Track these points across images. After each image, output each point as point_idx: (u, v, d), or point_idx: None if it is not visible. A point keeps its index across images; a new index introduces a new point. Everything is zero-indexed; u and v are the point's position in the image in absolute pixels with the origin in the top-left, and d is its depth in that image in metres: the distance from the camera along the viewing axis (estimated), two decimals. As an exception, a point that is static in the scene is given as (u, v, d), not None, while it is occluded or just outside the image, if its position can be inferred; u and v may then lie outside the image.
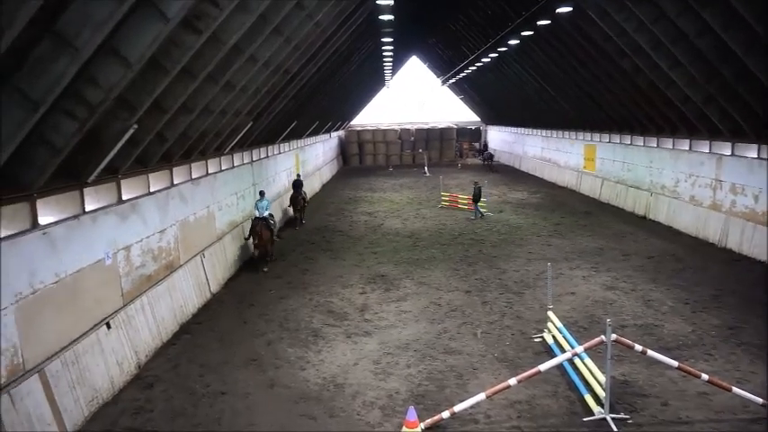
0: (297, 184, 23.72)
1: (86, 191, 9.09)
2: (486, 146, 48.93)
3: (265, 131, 19.67)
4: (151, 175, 11.55)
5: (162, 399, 8.99)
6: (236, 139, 16.15)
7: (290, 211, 23.81)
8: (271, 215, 16.90)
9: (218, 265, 14.97)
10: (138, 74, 8.06)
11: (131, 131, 8.89)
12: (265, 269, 15.97)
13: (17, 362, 7.31)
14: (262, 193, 17.46)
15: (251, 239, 16.58)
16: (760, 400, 8.06)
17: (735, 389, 8.11)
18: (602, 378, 8.09)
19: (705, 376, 8.12)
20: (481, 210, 23.99)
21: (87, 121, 7.57)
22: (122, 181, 10.31)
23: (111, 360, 9.25)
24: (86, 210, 9.11)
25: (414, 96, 54.60)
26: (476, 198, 23.84)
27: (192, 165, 13.88)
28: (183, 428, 8.09)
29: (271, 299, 13.70)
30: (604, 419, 7.95)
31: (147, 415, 8.49)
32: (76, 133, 7.59)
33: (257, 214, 16.56)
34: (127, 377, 9.55)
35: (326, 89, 25.35)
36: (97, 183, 9.38)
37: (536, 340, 10.93)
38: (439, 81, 53.16)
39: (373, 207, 27.45)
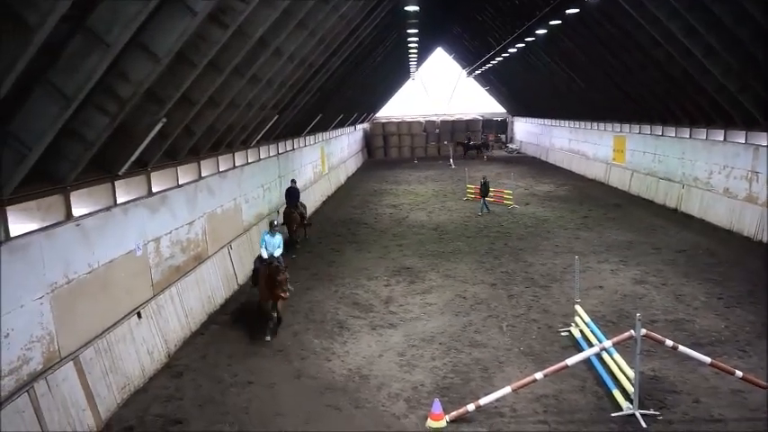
0: (291, 194, 18.00)
1: (117, 183, 9.28)
2: (469, 137, 47.64)
3: (291, 124, 19.79)
4: (180, 168, 11.73)
5: (191, 387, 9.16)
6: (263, 133, 16.28)
7: (285, 230, 17.69)
8: (282, 257, 11.81)
9: (245, 257, 15.15)
10: (166, 68, 8.18)
11: (160, 125, 9.04)
12: (268, 338, 10.79)
13: (53, 349, 7.53)
14: (272, 225, 12.08)
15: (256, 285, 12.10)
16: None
17: (770, 386, 7.89)
18: (630, 373, 7.96)
19: (739, 373, 7.92)
20: (486, 204, 23.29)
21: (118, 115, 7.72)
22: (152, 174, 10.49)
23: (141, 349, 9.47)
24: (118, 202, 9.30)
25: (439, 88, 54.20)
26: (483, 192, 23.25)
27: (220, 158, 14.04)
28: (212, 416, 8.24)
29: (296, 290, 13.79)
30: (633, 415, 7.83)
31: (177, 403, 8.67)
32: (108, 127, 7.75)
33: (263, 253, 11.69)
34: (157, 366, 9.76)
35: (351, 82, 25.35)
36: (128, 176, 9.56)
37: (563, 334, 10.81)
38: (465, 72, 52.67)
39: (398, 199, 27.42)
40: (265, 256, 11.53)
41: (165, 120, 9.08)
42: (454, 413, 7.92)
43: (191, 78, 9.12)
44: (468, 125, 51.29)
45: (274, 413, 8.31)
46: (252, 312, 12.24)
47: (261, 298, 11.23)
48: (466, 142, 47.16)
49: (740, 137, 18.84)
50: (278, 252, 11.62)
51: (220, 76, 10.24)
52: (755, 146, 18.02)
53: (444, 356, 10.04)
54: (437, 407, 7.89)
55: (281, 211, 18.39)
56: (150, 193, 10.45)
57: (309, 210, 24.23)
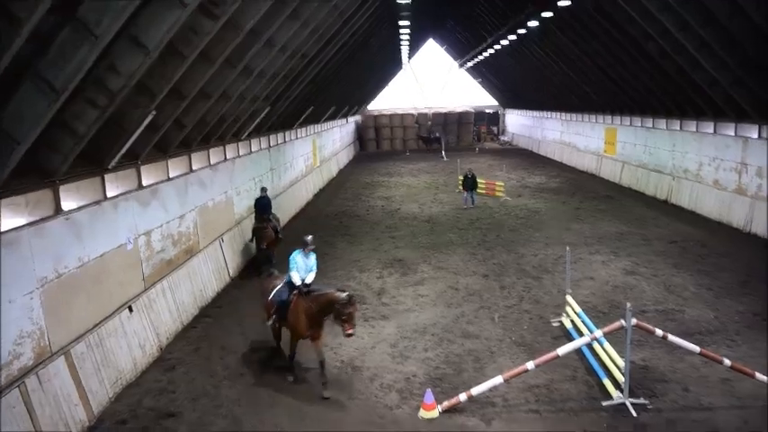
0: (262, 204, 14.89)
1: (107, 177, 9.22)
2: (430, 130, 47.34)
3: (282, 117, 19.70)
4: (170, 161, 11.65)
5: (184, 380, 9.16)
6: (254, 125, 16.20)
7: (253, 247, 15.15)
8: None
9: (237, 250, 15.12)
10: (156, 60, 8.10)
11: (150, 118, 8.97)
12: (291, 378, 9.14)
13: (44, 344, 7.50)
14: (307, 244, 9.27)
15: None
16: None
17: (758, 375, 8.00)
18: (621, 363, 8.03)
19: (728, 362, 8.01)
20: (474, 198, 22.90)
21: (108, 107, 7.66)
22: (142, 167, 10.42)
23: (133, 342, 9.44)
24: (108, 196, 9.24)
25: (431, 80, 54.08)
26: (469, 185, 22.86)
27: (211, 150, 13.97)
28: (205, 409, 8.24)
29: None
30: (623, 404, 7.92)
31: (170, 396, 8.67)
32: (98, 120, 7.69)
33: (295, 279, 8.95)
34: (149, 359, 9.74)
35: (343, 73, 25.25)
36: (118, 169, 9.50)
37: (554, 325, 10.89)
38: (456, 64, 52.57)
39: (390, 192, 27.42)
40: (298, 282, 8.84)
41: (155, 112, 9.02)
42: (446, 403, 7.98)
43: (181, 70, 9.05)
44: (460, 117, 51.26)
45: (268, 405, 8.33)
46: (244, 304, 12.23)
47: (295, 336, 8.95)
48: (426, 136, 47.07)
49: (730, 129, 18.97)
50: (311, 277, 9.04)
51: (211, 68, 10.17)
52: (745, 138, 18.15)
53: (436, 347, 10.09)
54: (429, 397, 7.95)
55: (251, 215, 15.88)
56: (140, 187, 10.38)
57: (301, 203, 24.26)
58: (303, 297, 8.71)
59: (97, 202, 8.96)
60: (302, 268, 9.04)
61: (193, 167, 12.86)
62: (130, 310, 9.64)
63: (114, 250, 9.35)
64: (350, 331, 8.32)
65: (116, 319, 9.18)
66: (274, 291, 9.23)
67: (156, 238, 10.88)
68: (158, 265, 10.92)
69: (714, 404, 8.02)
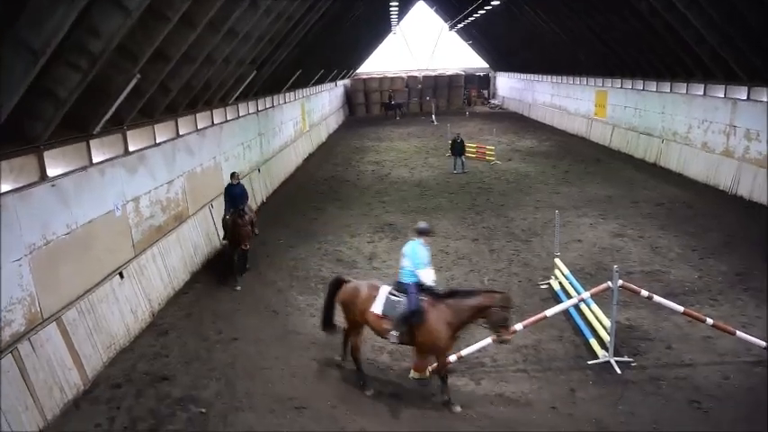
0: (235, 194, 12.18)
1: (92, 143, 9.08)
2: (391, 96, 46.64)
3: (270, 81, 19.37)
4: (156, 127, 11.49)
5: (177, 344, 9.26)
6: (241, 89, 15.94)
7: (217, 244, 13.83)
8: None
9: (227, 216, 15.07)
10: (138, 22, 7.89)
11: (134, 81, 8.78)
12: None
13: (35, 310, 7.51)
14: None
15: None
16: (763, 344, 8.17)
17: (738, 332, 8.21)
18: (607, 323, 8.20)
19: (710, 320, 8.21)
20: (464, 163, 22.61)
21: (90, 71, 7.48)
22: (128, 132, 10.27)
23: (125, 308, 9.49)
24: (93, 161, 9.12)
25: (421, 43, 53.22)
26: (457, 150, 22.59)
27: (198, 115, 13.77)
28: (199, 372, 8.36)
29: (280, 248, 13.84)
30: (608, 362, 8.13)
31: (163, 360, 8.77)
32: (80, 84, 7.52)
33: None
34: (142, 325, 9.81)
35: (331, 36, 24.76)
36: (103, 134, 9.35)
37: (543, 287, 11.05)
38: (446, 26, 51.68)
39: (380, 156, 27.30)
40: (431, 282, 7.43)
41: (139, 76, 8.82)
42: (435, 364, 8.12)
43: (164, 33, 8.83)
44: (451, 80, 50.69)
45: (260, 368, 8.46)
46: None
47: (436, 354, 7.49)
48: (387, 101, 46.47)
49: (719, 91, 18.94)
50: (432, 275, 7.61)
51: (195, 31, 9.94)
52: (734, 100, 18.15)
53: (427, 310, 10.21)
54: (420, 358, 8.08)
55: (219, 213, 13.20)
56: (127, 152, 10.25)
57: (291, 168, 24.11)
58: (440, 303, 7.17)
59: (83, 168, 8.86)
60: (428, 263, 7.49)
61: (180, 132, 12.69)
62: (121, 276, 9.65)
63: (102, 216, 9.30)
64: (508, 337, 7.24)
65: (107, 285, 9.20)
66: (383, 301, 7.35)
67: (144, 205, 10.81)
68: (148, 232, 10.89)
69: (695, 360, 8.25)
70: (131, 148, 10.39)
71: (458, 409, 7.21)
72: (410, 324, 7.11)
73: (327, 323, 8.27)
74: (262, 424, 7.11)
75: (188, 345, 9.24)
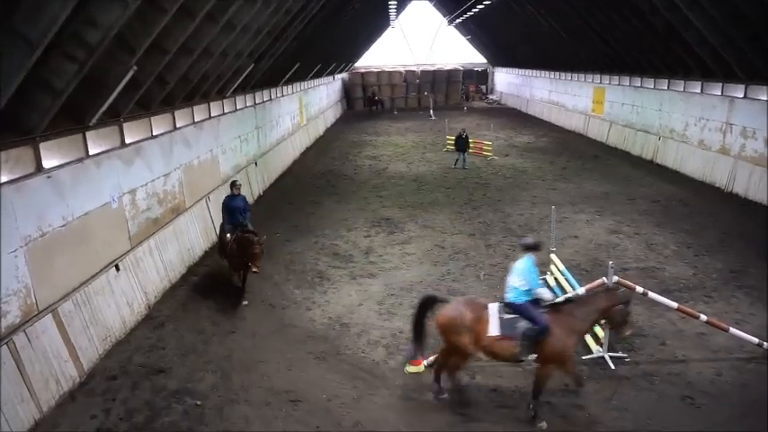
0: (234, 209, 10.78)
1: (89, 134, 9.05)
2: (374, 93, 46.63)
3: (268, 74, 19.32)
4: (153, 119, 11.45)
5: (173, 337, 9.27)
6: (238, 82, 15.89)
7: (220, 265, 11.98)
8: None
9: (223, 209, 15.06)
10: (136, 13, 7.85)
11: (131, 73, 8.74)
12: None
13: (30, 302, 7.50)
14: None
15: None
16: (756, 340, 8.22)
17: (732, 329, 8.25)
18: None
19: (703, 317, 8.25)
20: (465, 159, 22.41)
21: (87, 62, 7.45)
22: (125, 124, 10.23)
23: (121, 301, 9.49)
24: (90, 153, 9.09)
25: (419, 38, 53.06)
26: (461, 147, 22.49)
27: (195, 108, 13.72)
28: (195, 364, 8.37)
29: (277, 242, 13.84)
30: (602, 358, 8.17)
31: (160, 352, 8.78)
32: (76, 75, 7.49)
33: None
34: (138, 317, 9.81)
35: (329, 30, 24.68)
36: (99, 126, 9.32)
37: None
38: (445, 21, 51.54)
39: (378, 151, 27.28)
40: (550, 297, 7.16)
41: (136, 68, 8.79)
42: (432, 358, 8.16)
43: (161, 24, 8.78)
44: (449, 75, 50.60)
45: (257, 361, 8.48)
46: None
47: (562, 367, 7.19)
48: (370, 96, 46.42)
49: (717, 89, 18.97)
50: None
51: (192, 23, 9.89)
52: (731, 98, 18.18)
53: (423, 305, 10.25)
54: (415, 353, 8.11)
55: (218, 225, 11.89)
56: (123, 145, 10.22)
57: (288, 162, 24.07)
58: (559, 314, 6.90)
59: (79, 160, 8.83)
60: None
61: (177, 125, 12.65)
62: (117, 268, 9.64)
63: (99, 209, 9.28)
64: (629, 332, 7.15)
65: (103, 277, 9.19)
66: (498, 321, 6.90)
67: (141, 197, 10.79)
68: (144, 224, 10.87)
69: (689, 357, 8.31)
70: (128, 141, 10.36)
71: (544, 425, 6.84)
72: (536, 340, 6.76)
73: (419, 349, 7.45)
74: (257, 417, 7.14)
75: (184, 337, 9.25)
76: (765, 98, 16.46)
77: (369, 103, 46.26)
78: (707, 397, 7.30)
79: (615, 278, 7.91)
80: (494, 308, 7.00)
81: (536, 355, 6.84)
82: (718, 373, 7.90)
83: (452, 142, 23.94)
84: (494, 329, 6.84)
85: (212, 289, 11.18)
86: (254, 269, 9.84)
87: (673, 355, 8.39)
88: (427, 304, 7.28)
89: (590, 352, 8.33)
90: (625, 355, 8.30)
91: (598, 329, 8.37)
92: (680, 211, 15.82)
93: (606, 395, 7.43)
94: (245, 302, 10.23)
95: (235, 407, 7.35)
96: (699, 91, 20.06)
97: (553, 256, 10.66)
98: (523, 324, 6.78)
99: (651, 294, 8.23)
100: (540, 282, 7.04)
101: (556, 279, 10.51)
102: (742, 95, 17.62)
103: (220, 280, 11.57)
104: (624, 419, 6.97)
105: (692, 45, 17.69)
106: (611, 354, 8.18)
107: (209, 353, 8.74)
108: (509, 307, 6.93)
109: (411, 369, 8.06)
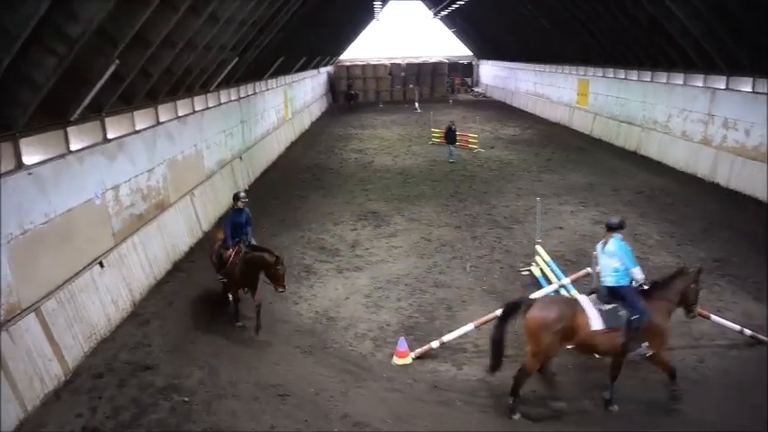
0: (240, 222, 9.49)
1: (70, 130, 8.92)
2: (350, 86, 46.56)
3: (252, 67, 19.16)
4: (136, 113, 11.31)
5: (159, 334, 9.20)
6: (223, 75, 15.75)
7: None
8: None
9: (208, 204, 14.96)
10: (117, 6, 7.73)
11: (114, 67, 8.64)
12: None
13: (13, 301, 7.40)
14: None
15: None
16: (737, 327, 8.37)
17: (713, 317, 8.39)
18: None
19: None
20: (453, 153, 22.38)
21: (68, 56, 7.34)
22: (107, 119, 10.10)
23: (106, 298, 9.39)
24: (72, 149, 8.97)
25: (405, 30, 52.88)
26: (450, 139, 22.52)
27: (178, 102, 13.58)
28: (182, 361, 8.33)
29: (263, 236, 13.75)
30: (588, 347, 8.24)
31: (146, 349, 8.72)
32: (57, 69, 7.38)
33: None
34: (123, 314, 9.72)
35: (314, 22, 24.53)
36: (81, 121, 9.19)
37: (524, 273, 11.18)
38: (431, 13, 51.43)
39: (364, 144, 27.22)
40: (642, 277, 6.92)
41: (118, 61, 8.68)
42: (419, 350, 8.22)
43: (144, 17, 8.67)
44: (434, 68, 50.52)
45: (245, 356, 8.45)
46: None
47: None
48: (346, 90, 46.04)
49: (699, 80, 19.17)
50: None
51: (175, 15, 9.78)
52: (713, 89, 18.39)
53: (409, 297, 10.30)
54: (402, 344, 8.18)
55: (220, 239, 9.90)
56: (106, 140, 10.09)
57: (273, 156, 23.92)
58: (651, 298, 6.78)
59: (61, 156, 8.70)
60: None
61: (161, 120, 12.51)
62: (101, 265, 9.54)
63: (82, 205, 9.16)
64: (697, 310, 7.22)
65: (87, 274, 9.09)
66: (597, 314, 6.67)
67: (124, 193, 10.67)
68: (128, 220, 10.76)
69: (672, 344, 8.38)
70: (111, 136, 10.23)
71: (615, 408, 6.88)
72: (639, 328, 6.59)
73: (498, 360, 7.06)
74: (245, 411, 7.13)
75: (171, 334, 9.19)
76: (747, 89, 16.67)
77: (346, 97, 45.92)
78: (689, 383, 7.42)
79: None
80: (585, 300, 6.83)
81: (646, 344, 6.67)
82: (701, 359, 8.04)
83: (441, 135, 23.96)
84: (597, 323, 6.56)
85: (199, 285, 11.10)
86: (280, 289, 8.87)
87: (656, 343, 8.50)
88: (511, 311, 6.99)
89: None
90: (610, 344, 8.38)
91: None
92: (663, 201, 16.01)
93: (591, 383, 7.51)
94: (240, 323, 9.34)
95: (223, 402, 7.33)
96: (681, 83, 20.26)
97: (538, 248, 10.74)
98: (625, 313, 6.59)
99: (635, 283, 8.31)
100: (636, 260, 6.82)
101: (541, 270, 10.60)
102: (724, 87, 17.83)
103: (207, 276, 11.49)
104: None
105: (675, 37, 17.86)
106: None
107: (196, 349, 8.70)
108: (612, 292, 6.72)
109: (398, 361, 8.10)
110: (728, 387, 7.38)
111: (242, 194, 9.67)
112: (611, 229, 6.89)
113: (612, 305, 6.68)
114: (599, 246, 7.03)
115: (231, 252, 9.20)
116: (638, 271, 6.72)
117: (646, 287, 6.79)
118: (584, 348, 6.89)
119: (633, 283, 6.73)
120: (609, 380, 6.97)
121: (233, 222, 9.40)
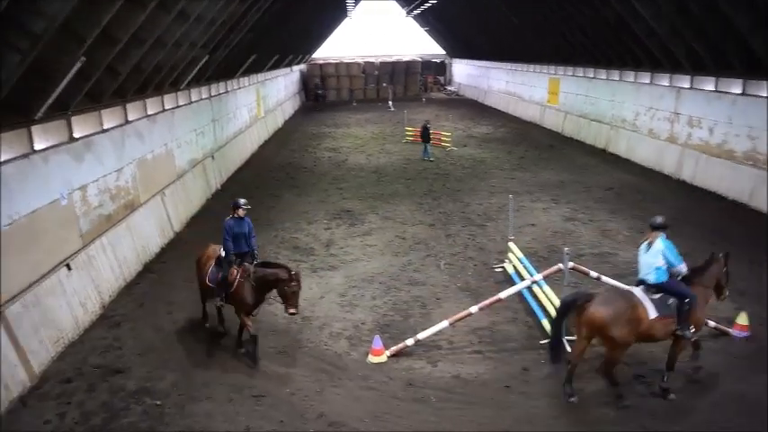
0: (240, 233, 8.55)
1: (34, 129, 8.69)
2: (317, 85, 46.62)
3: (223, 65, 18.93)
4: (104, 112, 11.08)
5: (130, 336, 9.03)
6: (193, 74, 15.52)
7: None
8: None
9: (180, 204, 14.74)
10: (83, 1, 7.56)
11: (80, 64, 8.44)
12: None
13: (-24, 304, 7.18)
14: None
15: None
16: (710, 323, 8.57)
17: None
18: (558, 304, 8.44)
19: (655, 297, 8.54)
20: (429, 152, 22.45)
21: (31, 52, 7.16)
22: (73, 118, 9.87)
23: (74, 301, 9.18)
24: (36, 149, 8.73)
25: (378, 29, 52.88)
26: (425, 138, 22.65)
27: (148, 101, 13.34)
28: (154, 363, 8.19)
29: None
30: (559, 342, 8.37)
31: (116, 352, 8.55)
32: (20, 66, 7.20)
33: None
34: (92, 317, 9.51)
35: (286, 20, 24.34)
36: (46, 120, 8.96)
37: (497, 270, 11.30)
38: (404, 12, 51.53)
39: (337, 143, 27.15)
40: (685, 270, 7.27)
41: (84, 59, 8.48)
42: (394, 348, 8.24)
43: (110, 13, 8.50)
44: (408, 67, 50.65)
45: (219, 357, 8.35)
46: (190, 259, 12.03)
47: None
48: (313, 89, 46.15)
49: (665, 80, 19.64)
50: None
51: (144, 12, 9.60)
52: (678, 88, 18.86)
53: (384, 295, 10.31)
54: (377, 343, 8.18)
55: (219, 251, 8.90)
56: (72, 139, 9.85)
57: (246, 155, 23.67)
58: (694, 286, 7.16)
59: (25, 156, 8.47)
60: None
61: (129, 118, 12.27)
62: (69, 267, 9.31)
63: (47, 206, 8.93)
64: (727, 294, 7.66)
65: (53, 277, 8.86)
66: (651, 303, 6.98)
67: (92, 193, 10.44)
68: (96, 221, 10.53)
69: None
70: (77, 135, 10.00)
71: (673, 396, 7.12)
72: (690, 311, 6.97)
73: (558, 353, 7.43)
74: (220, 413, 7.05)
75: (142, 336, 9.03)
76: (711, 89, 17.14)
77: (314, 97, 45.76)
78: (658, 375, 7.58)
79: (570, 263, 8.12)
80: (639, 292, 7.08)
81: (691, 328, 7.01)
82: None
83: (416, 134, 24.01)
84: (653, 312, 6.89)
85: (170, 286, 10.93)
86: (292, 310, 7.94)
87: (626, 336, 8.67)
88: (569, 308, 7.18)
89: (548, 337, 8.53)
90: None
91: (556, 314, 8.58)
92: (632, 197, 16.36)
93: (564, 377, 7.63)
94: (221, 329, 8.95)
95: (196, 404, 7.23)
96: (648, 82, 20.73)
97: (511, 245, 10.87)
98: (673, 301, 6.96)
99: (605, 279, 8.52)
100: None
101: (514, 266, 10.72)
102: (688, 86, 18.30)
103: (178, 277, 11.32)
104: (580, 399, 7.16)
105: (642, 37, 18.27)
106: (568, 338, 8.40)
107: (168, 351, 8.56)
108: (655, 288, 7.02)
109: (373, 359, 8.10)
110: (694, 377, 7.58)
111: (242, 201, 8.54)
112: (656, 228, 7.17)
113: (660, 294, 7.03)
114: (643, 245, 7.27)
115: (236, 272, 8.17)
116: (684, 267, 7.08)
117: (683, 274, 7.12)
118: (644, 337, 7.07)
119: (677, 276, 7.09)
120: (667, 368, 7.24)
121: (234, 233, 8.34)
